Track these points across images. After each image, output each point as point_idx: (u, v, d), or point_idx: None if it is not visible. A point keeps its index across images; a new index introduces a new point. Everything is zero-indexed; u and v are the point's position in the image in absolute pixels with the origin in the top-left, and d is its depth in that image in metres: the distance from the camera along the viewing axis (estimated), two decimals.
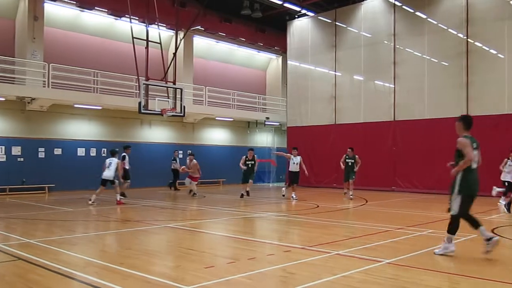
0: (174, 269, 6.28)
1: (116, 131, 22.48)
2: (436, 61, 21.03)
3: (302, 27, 26.34)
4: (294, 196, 16.58)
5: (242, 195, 17.44)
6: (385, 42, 22.58)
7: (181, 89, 19.27)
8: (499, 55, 19.29)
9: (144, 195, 18.59)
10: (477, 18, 19.68)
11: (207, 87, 25.27)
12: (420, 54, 21.47)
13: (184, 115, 20.06)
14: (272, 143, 29.51)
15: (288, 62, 27.10)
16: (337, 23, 24.54)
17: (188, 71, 25.45)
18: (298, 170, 16.93)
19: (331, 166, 21.81)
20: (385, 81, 22.72)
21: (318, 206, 14.61)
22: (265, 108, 29.13)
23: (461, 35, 20.06)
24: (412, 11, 21.71)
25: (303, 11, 25.64)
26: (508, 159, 14.50)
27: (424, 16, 21.27)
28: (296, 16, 26.45)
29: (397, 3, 22.15)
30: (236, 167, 19.11)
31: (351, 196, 16.76)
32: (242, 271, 5.81)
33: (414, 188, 20.80)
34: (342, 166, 17.35)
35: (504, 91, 18.87)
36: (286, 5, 24.39)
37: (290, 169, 17.20)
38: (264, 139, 29.76)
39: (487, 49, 19.55)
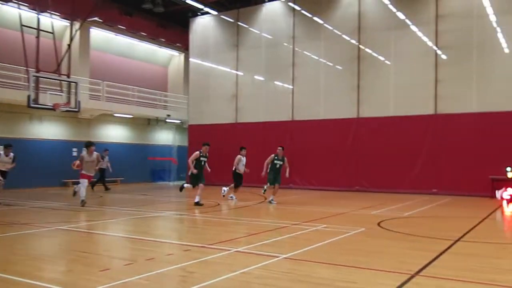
0: (65, 273, 5.93)
1: (1, 127, 20.65)
2: (331, 64, 22.20)
3: (205, 25, 26.30)
4: (234, 197, 16.01)
5: (197, 203, 13.77)
6: (285, 44, 23.34)
7: (76, 83, 18.29)
8: (386, 61, 20.88)
9: (33, 196, 17.30)
10: (368, 26, 21.12)
11: (105, 82, 24.20)
12: (317, 58, 22.52)
13: (79, 111, 19.05)
14: (173, 141, 29.10)
15: (190, 59, 26.90)
16: (239, 23, 24.87)
17: (84, 64, 24.16)
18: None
19: (233, 165, 22.03)
20: (284, 82, 23.49)
21: (219, 204, 14.69)
22: (167, 105, 28.64)
23: (354, 42, 21.38)
24: (310, 16, 22.69)
25: (206, 9, 25.59)
26: None
27: (321, 22, 22.33)
28: (199, 14, 26.34)
29: (296, 7, 23.00)
30: (136, 165, 18.58)
31: (274, 202, 14.50)
32: (139, 273, 5.65)
33: (310, 185, 21.78)
34: (265, 168, 14.70)
35: (389, 95, 20.46)
36: (189, 2, 24.16)
37: (238, 171, 15.80)
38: (165, 137, 29.25)
39: (376, 55, 21.06)
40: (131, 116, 26.27)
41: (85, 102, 20.92)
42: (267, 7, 24.16)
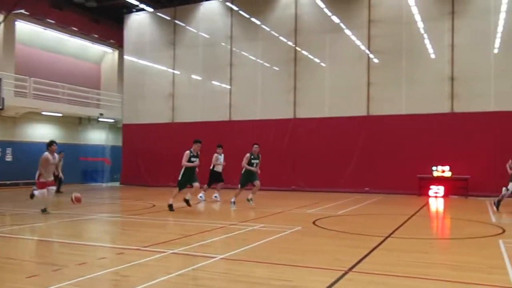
0: None
1: None
2: (269, 65, 22.43)
3: (140, 22, 25.67)
4: (218, 197, 15.96)
5: (187, 201, 12.80)
6: (223, 44, 23.29)
7: (0, 79, 17.16)
8: (321, 63, 21.40)
9: None
10: (304, 28, 21.55)
11: (32, 78, 22.94)
12: (254, 58, 22.66)
13: (3, 108, 17.91)
14: (107, 141, 28.14)
15: (125, 57, 26.16)
16: (176, 21, 24.51)
17: (8, 59, 22.78)
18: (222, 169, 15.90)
19: (169, 165, 21.67)
20: (222, 81, 23.44)
21: (154, 205, 14.37)
22: (99, 104, 27.61)
23: (290, 43, 21.73)
24: (247, 16, 22.79)
25: (142, 6, 24.99)
26: None
27: (258, 23, 22.50)
28: (134, 10, 25.67)
29: (234, 7, 23.02)
30: (66, 166, 17.73)
31: (252, 203, 14.05)
32: (70, 278, 5.38)
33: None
34: (248, 168, 13.79)
35: (325, 97, 21.00)
36: None
37: (216, 169, 15.69)
38: (97, 137, 28.22)
39: (312, 57, 21.53)
40: (60, 115, 25.09)
41: (9, 99, 19.72)
42: (204, 6, 23.99)
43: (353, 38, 20.73)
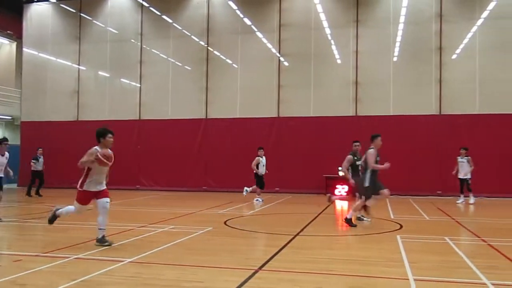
0: None
1: None
2: (180, 64, 22.14)
3: (42, 13, 24.08)
4: (260, 199, 15.85)
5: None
6: (132, 40, 22.59)
7: None
8: (233, 64, 21.56)
9: None
10: (216, 29, 21.57)
11: None
12: (165, 56, 22.25)
13: None
14: None
15: (24, 49, 24.39)
16: (81, 14, 23.32)
17: None
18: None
19: (74, 165, 20.54)
20: (131, 79, 22.71)
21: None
22: None
23: (202, 43, 21.63)
24: (158, 13, 22.30)
25: None
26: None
27: (170, 21, 22.12)
28: (35, 0, 24.02)
29: (144, 3, 22.42)
30: None
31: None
32: None
33: (157, 186, 21.39)
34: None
35: (236, 97, 21.18)
36: None
37: (261, 172, 15.98)
38: None
39: (224, 58, 21.61)
40: None
41: None
42: (113, 0, 23.09)
43: (265, 40, 21.13)
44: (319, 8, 20.34)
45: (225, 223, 10.43)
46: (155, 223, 10.25)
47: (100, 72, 23.42)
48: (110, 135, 8.11)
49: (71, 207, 7.89)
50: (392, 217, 11.99)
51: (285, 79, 20.71)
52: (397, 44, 19.91)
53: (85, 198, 7.66)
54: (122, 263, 6.23)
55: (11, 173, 11.56)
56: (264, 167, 15.97)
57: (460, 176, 15.44)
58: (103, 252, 6.96)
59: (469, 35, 19.23)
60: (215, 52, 21.61)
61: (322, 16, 20.38)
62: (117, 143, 18.72)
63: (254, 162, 15.95)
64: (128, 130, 21.83)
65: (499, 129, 18.28)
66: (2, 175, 11.24)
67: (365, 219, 10.89)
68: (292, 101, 20.55)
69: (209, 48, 21.58)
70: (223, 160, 20.79)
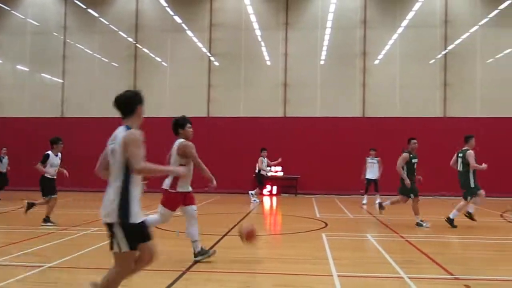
0: None
1: None
2: (107, 61, 21.40)
3: None
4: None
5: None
6: (55, 34, 21.50)
7: None
8: (163, 63, 21.18)
9: None
10: (145, 25, 21.09)
11: None
12: (91, 52, 21.40)
13: None
14: None
15: None
16: None
17: None
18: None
19: None
20: (53, 74, 21.61)
21: None
22: None
23: (130, 39, 21.05)
24: (84, 7, 21.41)
25: None
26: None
27: (96, 15, 21.30)
28: None
29: None
30: None
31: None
32: None
33: (84, 187, 20.50)
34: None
35: (166, 96, 20.81)
36: None
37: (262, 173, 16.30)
38: None
39: (153, 56, 21.17)
40: None
41: None
42: None
43: (195, 39, 20.97)
44: (250, 9, 20.51)
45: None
46: (77, 226, 9.82)
47: (18, 66, 22.06)
48: (189, 125, 7.30)
49: (155, 217, 6.66)
50: (318, 216, 12.34)
51: (216, 79, 20.68)
52: (325, 48, 20.56)
53: (177, 202, 6.72)
54: (41, 268, 5.90)
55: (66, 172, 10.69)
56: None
57: (369, 176, 15.27)
58: (21, 257, 6.55)
59: (391, 42, 20.27)
60: (144, 50, 21.12)
61: (253, 18, 20.58)
62: (38, 142, 17.76)
63: (259, 163, 16.18)
64: (49, 129, 20.70)
65: (419, 131, 19.34)
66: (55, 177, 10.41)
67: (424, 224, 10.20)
68: (223, 101, 20.56)
69: (137, 45, 21.05)
70: (152, 160, 20.29)
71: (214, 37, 20.78)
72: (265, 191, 18.96)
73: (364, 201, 15.23)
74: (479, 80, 19.83)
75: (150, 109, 21.92)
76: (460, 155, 10.41)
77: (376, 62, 20.33)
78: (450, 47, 19.90)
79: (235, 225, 10.17)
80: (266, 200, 17.42)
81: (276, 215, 14.10)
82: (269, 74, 20.69)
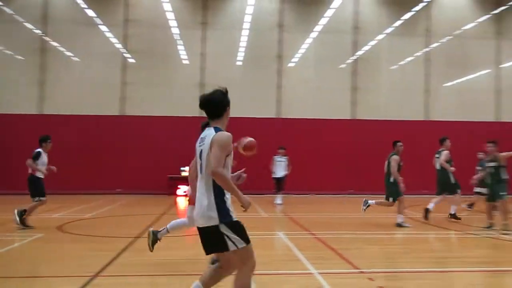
0: None
1: None
2: (11, 53, 19.95)
3: None
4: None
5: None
6: None
7: None
8: (74, 57, 20.16)
9: None
10: (55, 18, 19.94)
11: None
12: None
13: None
14: None
15: None
16: None
17: None
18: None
19: None
20: None
21: None
22: None
23: (38, 31, 19.80)
24: None
25: None
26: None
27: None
28: None
29: None
30: None
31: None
32: None
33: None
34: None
35: (76, 92, 19.82)
36: None
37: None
38: None
39: (63, 50, 20.08)
40: None
41: None
42: None
43: (109, 35, 20.20)
44: (167, 6, 20.15)
45: (58, 228, 9.69)
46: None
47: None
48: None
49: (185, 221, 6.46)
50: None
51: (131, 76, 20.06)
52: (242, 49, 20.77)
53: None
54: None
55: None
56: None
57: (276, 175, 15.41)
58: None
59: (305, 46, 20.97)
60: (53, 43, 19.96)
61: (170, 15, 20.24)
62: None
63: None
64: None
65: (329, 132, 20.22)
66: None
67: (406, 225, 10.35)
68: (138, 99, 20.00)
69: (46, 37, 19.83)
70: (67, 160, 19.22)
71: (130, 33, 20.16)
72: (180, 192, 18.74)
73: (279, 201, 15.58)
74: (384, 85, 21.16)
75: (60, 106, 21.14)
76: (437, 155, 11.28)
77: (291, 64, 20.93)
78: (359, 53, 21.01)
79: (148, 227, 9.94)
80: (181, 200, 17.22)
81: None
82: (186, 73, 20.49)
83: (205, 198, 3.74)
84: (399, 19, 21.02)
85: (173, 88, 20.23)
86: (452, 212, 11.13)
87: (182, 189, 18.76)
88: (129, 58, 20.21)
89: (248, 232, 3.85)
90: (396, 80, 21.15)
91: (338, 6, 20.53)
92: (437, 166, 11.21)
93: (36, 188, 9.55)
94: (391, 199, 10.43)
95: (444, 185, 11.09)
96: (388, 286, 5.49)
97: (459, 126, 19.57)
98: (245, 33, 20.68)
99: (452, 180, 10.99)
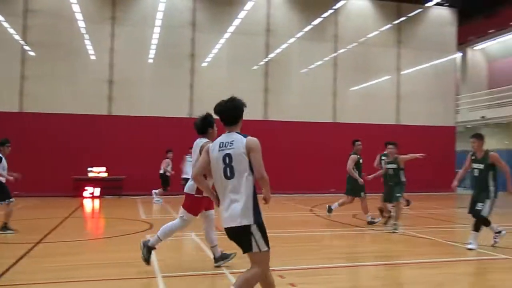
0: None
1: None
2: None
3: None
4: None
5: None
6: None
7: None
8: None
9: None
10: None
11: None
12: None
13: None
14: None
15: None
16: None
17: None
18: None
19: None
20: None
21: None
22: None
23: None
24: None
25: None
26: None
27: None
28: None
29: None
30: None
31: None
32: None
33: None
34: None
35: None
36: None
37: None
38: None
39: None
40: None
41: None
42: None
43: (6, 25, 18.67)
44: None
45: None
46: None
47: None
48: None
49: (176, 223, 6.19)
50: (142, 217, 12.08)
51: (31, 70, 18.69)
52: (154, 46, 20.25)
53: (201, 207, 6.32)
54: None
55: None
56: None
57: (187, 175, 14.67)
58: None
59: (219, 46, 20.95)
60: None
61: (76, 8, 19.15)
62: None
63: (164, 165, 16.02)
64: None
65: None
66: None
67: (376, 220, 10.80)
68: (39, 94, 18.67)
69: None
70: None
71: (31, 24, 18.76)
72: (86, 194, 17.83)
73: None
74: (295, 87, 21.77)
75: None
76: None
77: (204, 64, 20.80)
78: (271, 55, 21.42)
79: (50, 231, 9.34)
80: (88, 202, 16.39)
81: (99, 218, 13.39)
82: (93, 69, 19.47)
83: (240, 199, 3.91)
84: (309, 24, 21.76)
85: (79, 84, 19.14)
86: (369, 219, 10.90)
87: (89, 190, 17.86)
88: (29, 50, 18.82)
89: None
90: (306, 83, 21.84)
91: (251, 8, 20.79)
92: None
93: (2, 193, 9.30)
94: (362, 194, 10.94)
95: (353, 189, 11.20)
96: (298, 282, 5.62)
97: (363, 128, 20.61)
98: (157, 30, 20.18)
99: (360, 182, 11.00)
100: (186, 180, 15.17)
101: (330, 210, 11.50)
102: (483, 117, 24.38)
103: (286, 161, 20.27)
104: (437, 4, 23.37)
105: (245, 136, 4.12)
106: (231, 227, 3.95)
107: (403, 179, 10.07)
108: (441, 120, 23.31)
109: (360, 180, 10.83)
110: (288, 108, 21.39)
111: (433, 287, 5.62)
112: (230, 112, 4.17)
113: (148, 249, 6.01)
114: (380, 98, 22.69)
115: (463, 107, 26.37)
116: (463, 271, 6.61)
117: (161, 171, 16.34)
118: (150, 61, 20.26)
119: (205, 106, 21.53)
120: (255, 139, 4.11)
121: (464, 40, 26.63)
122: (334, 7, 21.97)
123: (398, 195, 9.90)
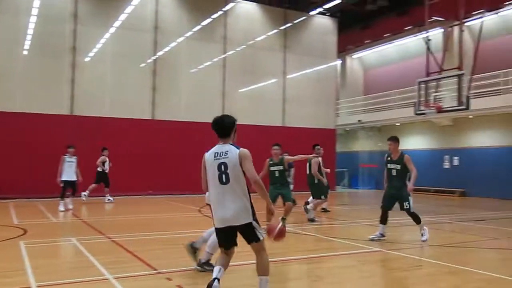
0: None
1: None
2: None
3: None
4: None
5: None
6: None
7: None
8: None
9: None
10: None
11: None
12: None
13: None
14: None
15: None
16: None
17: None
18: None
19: None
20: None
21: None
22: None
23: None
24: None
25: None
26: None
27: None
28: None
29: None
30: None
31: None
32: None
33: None
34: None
35: None
36: None
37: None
38: None
39: None
40: None
41: None
42: None
43: None
44: None
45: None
46: None
47: None
48: None
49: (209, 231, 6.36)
50: (15, 222, 11.03)
51: None
52: (29, 37, 18.61)
53: None
54: None
55: None
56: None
57: (66, 178, 13.65)
58: None
59: (103, 40, 19.92)
60: None
61: None
62: None
63: (99, 162, 15.87)
64: None
65: (128, 132, 19.56)
66: None
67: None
68: None
69: None
70: None
71: None
72: None
73: (70, 206, 14.07)
74: (184, 87, 21.50)
75: None
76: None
77: (87, 59, 19.63)
78: (159, 53, 20.89)
79: None
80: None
81: None
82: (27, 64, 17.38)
83: (239, 201, 4.62)
84: (199, 24, 21.67)
85: None
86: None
87: None
88: None
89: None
90: (195, 83, 21.70)
91: (138, 3, 20.14)
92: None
93: None
94: (323, 197, 11.89)
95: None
96: (185, 284, 5.52)
97: (252, 129, 20.86)
98: (33, 19, 18.56)
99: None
100: (65, 182, 14.03)
101: (312, 220, 11.36)
102: (359, 121, 26.33)
103: (176, 161, 19.96)
104: (320, 13, 24.77)
105: (237, 148, 4.70)
106: (234, 226, 4.64)
107: (289, 179, 10.43)
108: (323, 122, 24.68)
109: (325, 180, 11.84)
110: (176, 108, 21.09)
111: (312, 281, 5.89)
112: (224, 129, 4.80)
113: (207, 264, 6.04)
114: (267, 100, 23.38)
115: (342, 111, 28.23)
116: (340, 264, 7.02)
117: (99, 169, 15.98)
118: (25, 52, 18.61)
119: (88, 102, 20.62)
120: (246, 150, 4.69)
121: (344, 48, 28.55)
122: (224, 9, 22.18)
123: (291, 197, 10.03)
